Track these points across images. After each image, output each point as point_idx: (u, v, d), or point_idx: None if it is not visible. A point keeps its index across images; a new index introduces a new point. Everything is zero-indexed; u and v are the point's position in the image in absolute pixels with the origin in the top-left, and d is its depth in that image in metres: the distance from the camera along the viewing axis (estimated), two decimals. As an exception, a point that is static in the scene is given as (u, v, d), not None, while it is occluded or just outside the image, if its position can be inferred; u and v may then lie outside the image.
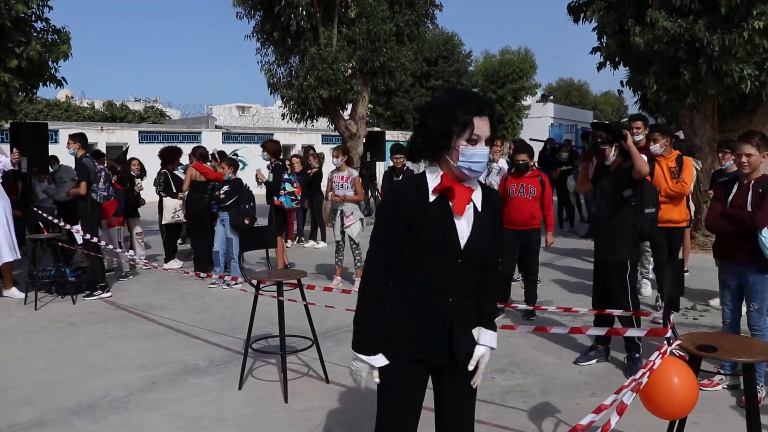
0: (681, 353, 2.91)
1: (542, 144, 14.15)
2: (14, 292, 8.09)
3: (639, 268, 7.01)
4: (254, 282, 5.02)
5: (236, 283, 7.95)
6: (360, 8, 14.22)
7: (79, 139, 8.21)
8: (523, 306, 5.44)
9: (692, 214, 7.63)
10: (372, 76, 15.64)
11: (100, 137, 22.38)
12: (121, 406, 4.60)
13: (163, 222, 10.38)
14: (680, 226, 6.89)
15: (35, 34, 8.14)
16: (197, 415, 4.43)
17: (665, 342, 2.83)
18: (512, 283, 7.25)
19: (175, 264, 10.26)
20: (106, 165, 8.62)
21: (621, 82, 11.67)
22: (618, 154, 5.12)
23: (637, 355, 5.03)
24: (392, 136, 32.31)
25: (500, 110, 41.27)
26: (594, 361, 5.30)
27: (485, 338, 2.55)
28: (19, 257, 8.24)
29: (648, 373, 2.59)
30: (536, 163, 7.93)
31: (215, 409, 4.53)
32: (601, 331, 3.28)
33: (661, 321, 4.28)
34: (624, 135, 5.00)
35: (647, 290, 7.54)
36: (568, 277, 8.81)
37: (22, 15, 7.79)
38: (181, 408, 4.54)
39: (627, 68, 11.47)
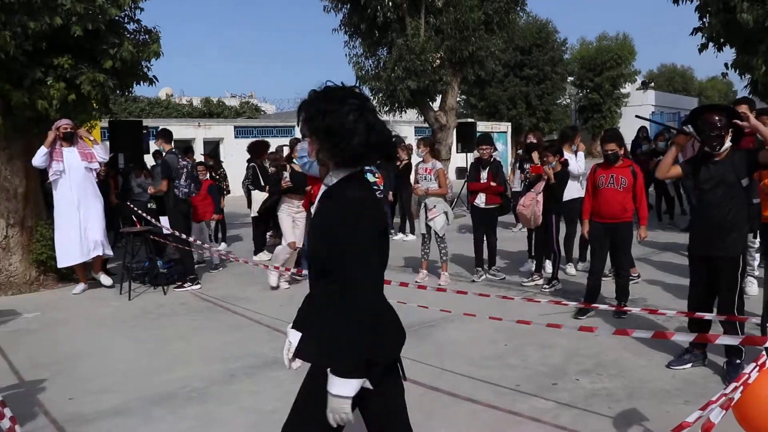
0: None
1: (643, 126, 13.53)
2: (102, 277, 8.45)
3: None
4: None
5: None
6: (447, -3, 13.98)
7: (163, 135, 8.45)
8: (604, 306, 5.10)
9: None
10: (461, 66, 15.35)
11: (198, 133, 23.14)
12: (199, 397, 4.65)
13: (252, 215, 10.57)
14: None
15: (128, 36, 8.39)
16: (271, 408, 4.41)
17: (764, 352, 2.53)
18: (603, 279, 6.89)
19: (264, 257, 10.43)
20: (188, 162, 8.80)
21: (725, 65, 10.91)
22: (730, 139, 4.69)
23: (738, 361, 4.62)
24: (485, 126, 31.79)
25: (597, 98, 39.95)
26: (689, 365, 4.91)
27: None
28: (111, 254, 8.59)
29: (741, 387, 2.29)
30: (630, 153, 7.51)
31: (290, 403, 4.48)
32: (689, 337, 2.99)
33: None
34: (742, 115, 4.59)
35: (753, 289, 6.98)
36: (665, 273, 8.31)
37: (116, 18, 8.04)
38: (256, 401, 4.54)
39: (733, 49, 10.71)
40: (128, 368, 5.35)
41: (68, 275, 8.80)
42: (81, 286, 8.33)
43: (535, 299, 4.77)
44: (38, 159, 7.86)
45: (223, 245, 11.53)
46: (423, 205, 8.23)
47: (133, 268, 8.30)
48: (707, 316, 4.17)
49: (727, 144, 4.67)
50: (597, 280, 6.52)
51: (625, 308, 4.02)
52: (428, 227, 8.23)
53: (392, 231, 12.54)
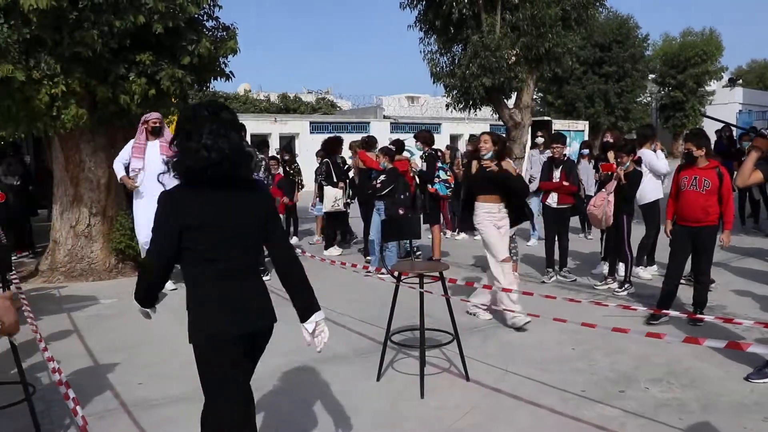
0: None
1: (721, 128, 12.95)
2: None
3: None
4: (395, 273, 4.96)
5: (382, 274, 7.97)
6: (524, -8, 13.71)
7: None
8: (676, 313, 4.87)
9: None
10: (537, 63, 15.03)
11: (274, 128, 23.58)
12: (260, 388, 4.70)
13: (324, 210, 10.69)
14: None
15: (206, 32, 8.61)
16: (332, 403, 4.44)
17: None
18: (680, 284, 6.61)
19: (335, 251, 10.53)
20: (263, 157, 8.97)
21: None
22: None
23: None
24: (561, 125, 31.17)
25: (680, 97, 38.53)
26: (770, 378, 4.67)
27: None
28: None
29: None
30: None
31: (351, 398, 4.52)
32: (765, 350, 2.82)
33: None
34: None
35: None
36: (746, 280, 7.92)
37: (195, 15, 8.26)
38: (316, 395, 4.58)
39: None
40: (192, 356, 5.47)
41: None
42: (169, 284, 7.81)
43: (603, 303, 4.61)
44: (117, 164, 7.96)
45: (294, 239, 11.70)
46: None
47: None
48: None
49: None
50: (673, 284, 6.24)
51: (699, 316, 3.82)
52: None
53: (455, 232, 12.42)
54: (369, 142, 10.01)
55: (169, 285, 7.86)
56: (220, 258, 2.80)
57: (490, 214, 6.30)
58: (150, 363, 5.36)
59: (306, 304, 3.19)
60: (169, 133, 7.96)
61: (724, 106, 39.02)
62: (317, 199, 11.17)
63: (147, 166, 7.83)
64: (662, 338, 3.22)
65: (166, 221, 2.78)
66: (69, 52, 7.54)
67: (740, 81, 45.86)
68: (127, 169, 7.95)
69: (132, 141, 7.90)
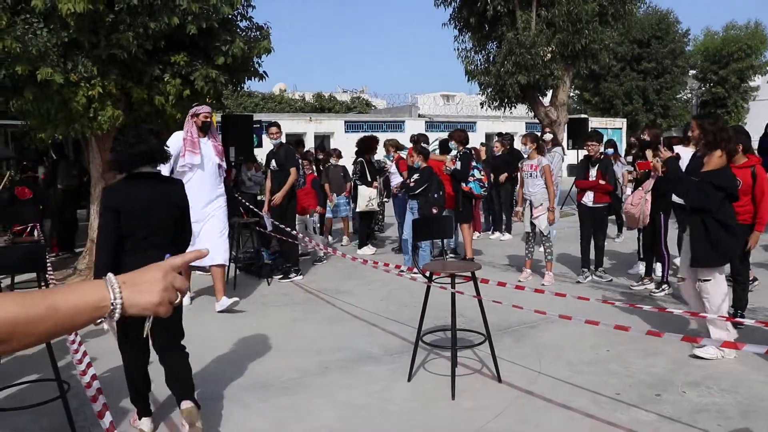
0: None
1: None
2: (224, 302, 6.95)
3: None
4: (427, 273, 4.91)
5: (414, 273, 7.93)
6: (560, -12, 13.55)
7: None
8: (712, 315, 4.72)
9: None
10: (574, 60, 14.87)
11: (309, 127, 23.68)
12: (292, 388, 4.72)
13: (358, 209, 10.68)
14: None
15: (239, 33, 8.66)
16: (362, 404, 4.42)
17: None
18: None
19: (368, 250, 10.52)
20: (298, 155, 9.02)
21: None
22: None
23: None
24: (598, 122, 30.71)
25: (722, 93, 37.66)
26: (814, 383, 4.51)
27: None
28: (227, 263, 7.47)
29: None
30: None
31: (381, 399, 4.49)
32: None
33: None
34: None
35: None
36: (791, 280, 7.70)
37: (228, 16, 8.32)
38: (348, 395, 4.56)
39: None
40: (227, 356, 5.52)
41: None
42: (224, 301, 6.90)
43: (637, 305, 4.51)
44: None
45: (323, 238, 11.70)
46: (528, 202, 8.03)
47: (240, 258, 8.57)
48: None
49: None
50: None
51: (738, 319, 3.68)
52: (533, 225, 8.02)
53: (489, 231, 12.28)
54: (418, 140, 9.89)
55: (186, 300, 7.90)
56: (141, 234, 3.85)
57: None
58: (183, 361, 5.38)
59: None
60: (215, 130, 7.44)
61: (769, 102, 37.99)
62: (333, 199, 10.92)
63: (204, 164, 6.98)
64: (698, 342, 3.10)
65: (106, 211, 3.84)
66: (105, 55, 7.66)
67: (786, 75, 44.59)
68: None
69: (179, 134, 6.99)
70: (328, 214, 11.19)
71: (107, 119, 7.92)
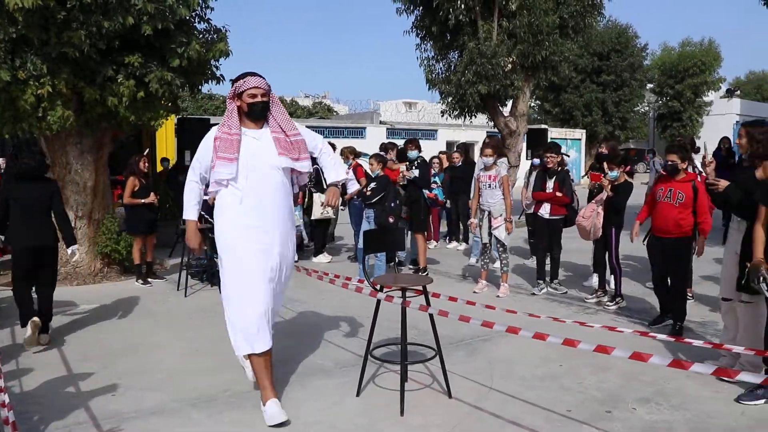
0: None
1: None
2: (274, 412, 4.34)
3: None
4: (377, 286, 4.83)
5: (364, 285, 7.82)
6: (521, 0, 13.63)
7: None
8: (662, 336, 4.68)
9: None
10: (534, 71, 14.97)
11: (269, 132, 23.46)
12: (240, 402, 4.59)
13: (313, 217, 10.55)
14: None
15: (196, 35, 8.49)
16: (312, 420, 4.30)
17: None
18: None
19: (323, 258, 10.41)
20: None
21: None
22: None
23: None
24: (558, 133, 31.13)
25: (678, 107, 38.54)
26: (762, 401, 4.49)
27: None
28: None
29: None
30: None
31: (330, 415, 4.39)
32: (757, 378, 2.70)
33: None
34: None
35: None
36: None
37: (185, 17, 8.15)
38: (296, 410, 4.43)
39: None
40: (174, 367, 5.36)
41: (131, 268, 9.00)
42: (274, 410, 4.28)
43: (588, 324, 4.49)
44: (192, 185, 4.63)
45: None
46: (487, 213, 7.98)
47: (191, 265, 8.39)
48: None
49: None
50: (658, 292, 6.44)
51: (687, 340, 3.67)
52: (490, 236, 8.00)
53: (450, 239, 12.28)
54: (387, 149, 9.79)
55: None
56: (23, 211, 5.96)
57: None
58: (127, 373, 5.22)
59: (67, 236, 6.21)
60: (283, 113, 4.60)
61: (722, 116, 39.02)
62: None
63: (248, 169, 4.36)
64: (646, 361, 3.09)
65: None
66: (56, 53, 7.43)
67: (738, 92, 45.85)
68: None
69: (211, 133, 4.43)
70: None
71: (57, 119, 7.69)
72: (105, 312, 7.16)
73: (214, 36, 8.74)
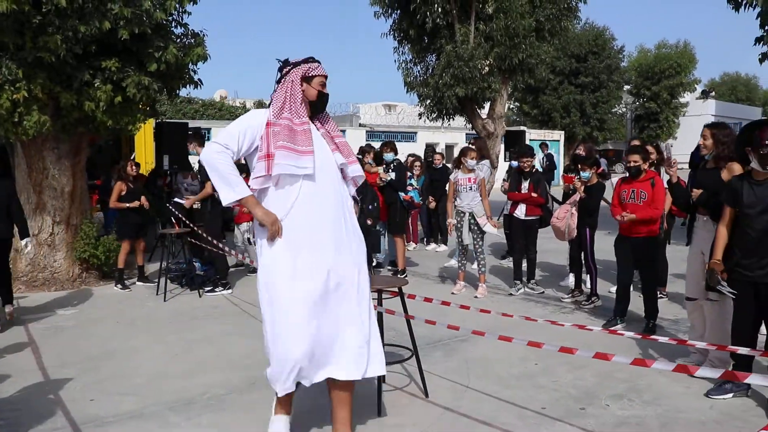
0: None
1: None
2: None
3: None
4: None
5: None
6: (498, 3, 13.75)
7: (195, 138, 8.51)
8: (630, 333, 4.83)
9: None
10: (511, 74, 15.11)
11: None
12: (217, 404, 4.62)
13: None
14: None
15: (174, 39, 8.49)
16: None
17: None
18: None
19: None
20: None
21: (787, 77, 10.46)
22: None
23: (784, 395, 4.35)
24: (537, 134, 31.36)
25: (655, 108, 39.01)
26: (729, 395, 4.62)
27: None
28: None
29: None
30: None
31: (305, 415, 4.43)
32: (715, 373, 2.79)
33: None
34: None
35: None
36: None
37: (162, 22, 8.15)
38: (271, 411, 4.47)
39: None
40: (152, 371, 5.37)
41: (109, 273, 8.97)
42: None
43: (558, 323, 4.58)
44: (235, 184, 3.75)
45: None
46: (468, 214, 8.03)
47: (171, 269, 8.38)
48: (741, 350, 3.84)
49: None
50: (623, 290, 6.50)
51: (653, 337, 3.77)
52: (475, 236, 8.01)
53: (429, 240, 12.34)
54: (377, 154, 9.79)
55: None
56: None
57: None
58: (106, 378, 5.22)
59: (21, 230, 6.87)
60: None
61: (698, 117, 39.51)
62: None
63: (317, 172, 3.67)
64: (610, 360, 3.17)
65: None
66: (32, 57, 7.40)
67: (713, 93, 46.57)
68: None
69: (257, 116, 3.75)
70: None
71: (33, 124, 7.66)
72: (83, 317, 7.15)
73: (192, 40, 8.74)
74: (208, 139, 20.17)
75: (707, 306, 5.05)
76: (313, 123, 3.82)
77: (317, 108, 3.83)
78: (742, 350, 3.80)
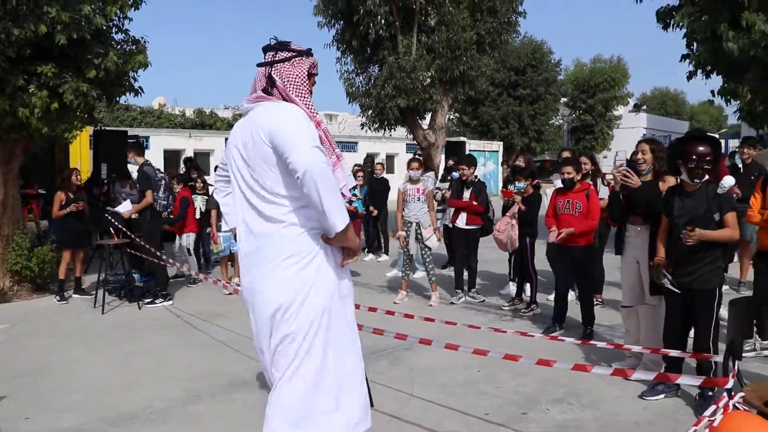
0: (746, 408, 2.50)
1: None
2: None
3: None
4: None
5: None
6: (440, 16, 14.00)
7: (134, 147, 8.36)
8: (570, 339, 4.98)
9: None
10: (452, 85, 15.38)
11: (188, 144, 23.07)
12: (159, 418, 4.54)
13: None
14: None
15: (114, 45, 8.33)
16: (231, 432, 4.31)
17: (725, 394, 2.45)
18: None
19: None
20: (165, 174, 8.76)
21: (712, 92, 10.96)
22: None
23: (711, 393, 4.54)
24: (476, 145, 31.87)
25: (590, 120, 40.19)
26: (661, 396, 4.81)
27: None
28: None
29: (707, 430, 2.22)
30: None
31: (251, 427, 4.39)
32: (649, 376, 2.92)
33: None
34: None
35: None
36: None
37: (102, 27, 7.98)
38: (218, 425, 4.44)
39: (720, 76, 10.73)
40: (91, 386, 5.24)
41: (43, 286, 8.71)
42: None
43: (501, 330, 4.69)
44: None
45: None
46: (415, 224, 8.11)
47: (109, 281, 8.19)
48: (672, 352, 4.03)
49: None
50: (561, 298, 6.71)
51: (592, 342, 3.92)
52: (421, 245, 8.10)
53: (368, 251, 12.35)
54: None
55: None
56: None
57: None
58: (40, 394, 5.07)
59: None
60: None
61: (631, 130, 40.91)
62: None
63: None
64: (551, 366, 3.27)
65: None
66: (-39, 61, 7.15)
67: (644, 107, 48.31)
68: None
69: (300, 114, 2.95)
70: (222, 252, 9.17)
71: (-38, 131, 7.39)
72: (16, 332, 6.91)
73: (133, 47, 8.58)
74: (147, 148, 19.92)
75: (642, 311, 5.25)
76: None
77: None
78: (674, 352, 3.97)
